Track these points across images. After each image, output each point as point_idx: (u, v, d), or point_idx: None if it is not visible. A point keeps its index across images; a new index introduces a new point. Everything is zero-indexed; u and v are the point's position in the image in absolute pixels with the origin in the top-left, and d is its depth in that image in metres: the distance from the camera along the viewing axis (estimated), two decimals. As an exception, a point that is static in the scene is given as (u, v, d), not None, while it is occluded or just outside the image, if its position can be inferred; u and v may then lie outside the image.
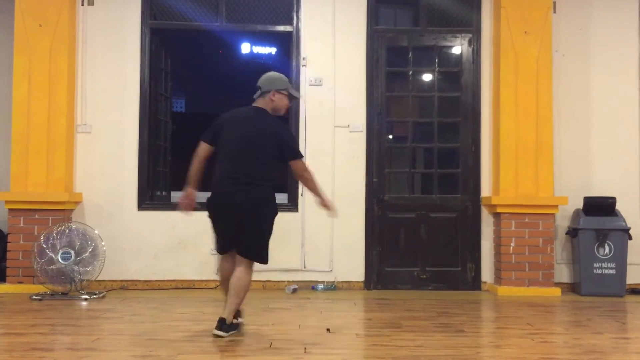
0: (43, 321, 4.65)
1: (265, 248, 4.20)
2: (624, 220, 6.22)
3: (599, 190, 6.43)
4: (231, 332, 4.08)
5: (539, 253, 6.23)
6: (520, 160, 6.25)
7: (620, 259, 6.16)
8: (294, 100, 4.49)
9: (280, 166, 4.22)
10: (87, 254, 5.67)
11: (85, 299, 5.56)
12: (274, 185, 4.22)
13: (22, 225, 6.05)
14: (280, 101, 4.29)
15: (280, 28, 6.65)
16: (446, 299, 5.91)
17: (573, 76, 6.58)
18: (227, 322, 4.05)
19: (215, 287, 6.21)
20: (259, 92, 4.28)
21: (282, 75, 4.36)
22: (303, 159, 4.30)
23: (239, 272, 4.10)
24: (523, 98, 6.28)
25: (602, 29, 6.62)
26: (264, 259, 4.20)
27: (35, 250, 5.67)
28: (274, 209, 4.21)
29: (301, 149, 6.38)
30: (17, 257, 6.04)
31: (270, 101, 4.26)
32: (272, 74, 4.37)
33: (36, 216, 6.05)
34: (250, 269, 4.16)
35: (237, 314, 4.19)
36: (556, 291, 6.17)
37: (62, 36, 6.16)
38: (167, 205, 6.52)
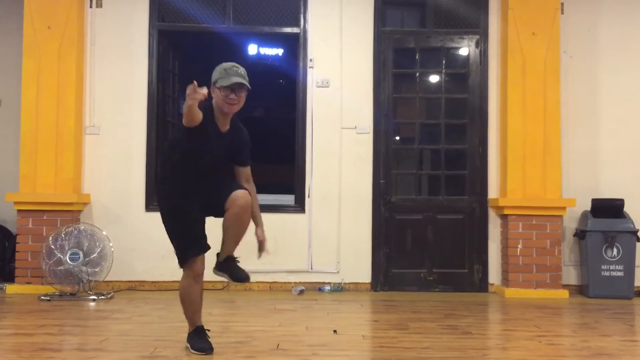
0: (51, 322, 4.68)
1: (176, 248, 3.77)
2: (633, 222, 6.20)
3: (607, 192, 6.40)
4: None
5: (547, 255, 6.21)
6: (527, 162, 6.23)
7: (628, 261, 6.14)
8: (227, 90, 3.50)
9: (173, 160, 3.66)
10: (95, 255, 5.70)
11: (93, 300, 5.59)
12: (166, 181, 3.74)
13: (30, 226, 6.09)
14: (217, 97, 3.55)
15: (287, 30, 6.66)
16: (453, 300, 5.90)
17: (581, 77, 6.55)
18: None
19: (222, 288, 6.24)
20: None
21: (216, 68, 3.60)
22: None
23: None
24: (531, 99, 6.26)
25: (610, 31, 6.59)
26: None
27: (44, 251, 5.71)
28: (162, 208, 3.76)
29: (308, 150, 6.47)
30: (26, 258, 6.07)
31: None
32: None
33: (45, 217, 6.09)
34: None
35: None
36: (564, 293, 6.15)
37: (70, 38, 6.20)
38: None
